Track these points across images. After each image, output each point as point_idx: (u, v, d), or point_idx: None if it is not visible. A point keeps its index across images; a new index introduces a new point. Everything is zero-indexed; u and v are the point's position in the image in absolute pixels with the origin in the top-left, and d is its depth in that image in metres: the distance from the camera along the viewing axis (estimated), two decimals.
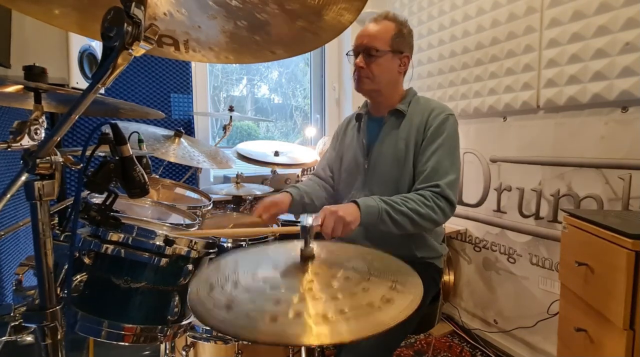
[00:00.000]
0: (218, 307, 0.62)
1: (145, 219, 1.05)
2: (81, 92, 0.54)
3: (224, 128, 2.00)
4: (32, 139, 0.67)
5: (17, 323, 0.69)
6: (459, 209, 2.07)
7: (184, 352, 1.05)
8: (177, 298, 0.86)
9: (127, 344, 0.80)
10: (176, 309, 0.86)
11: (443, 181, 1.10)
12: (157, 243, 0.82)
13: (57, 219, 1.02)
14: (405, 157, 1.19)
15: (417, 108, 1.23)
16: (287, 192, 1.27)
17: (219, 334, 1.06)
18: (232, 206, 1.91)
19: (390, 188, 1.20)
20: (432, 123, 1.17)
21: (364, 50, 1.22)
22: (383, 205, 1.04)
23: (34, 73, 0.70)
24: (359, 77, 1.24)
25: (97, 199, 0.96)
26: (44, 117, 0.70)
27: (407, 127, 1.21)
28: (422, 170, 1.15)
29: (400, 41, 1.23)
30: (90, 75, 1.48)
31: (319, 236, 0.92)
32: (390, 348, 1.13)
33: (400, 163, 1.20)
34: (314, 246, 0.77)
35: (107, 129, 0.69)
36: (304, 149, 2.32)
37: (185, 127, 2.17)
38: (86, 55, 1.48)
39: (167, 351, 1.08)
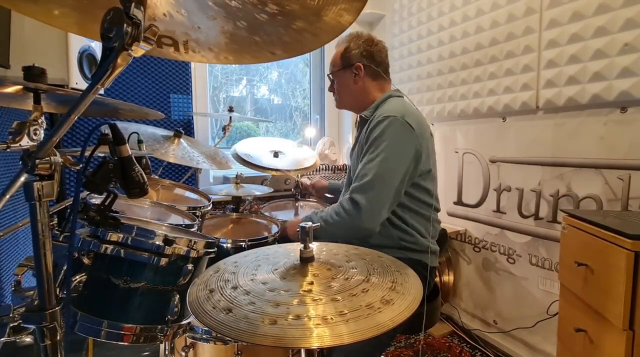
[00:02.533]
0: (218, 309, 0.62)
1: (144, 219, 1.05)
2: (80, 92, 0.53)
3: (224, 129, 2.00)
4: (32, 139, 0.67)
5: (16, 324, 0.68)
6: (459, 209, 2.07)
7: (183, 353, 1.05)
8: (176, 298, 0.86)
9: (126, 344, 0.81)
10: (176, 309, 0.86)
11: (355, 184, 1.16)
12: (157, 243, 0.82)
13: (56, 219, 1.02)
14: (360, 160, 1.24)
15: (377, 112, 1.25)
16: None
17: (218, 335, 1.06)
18: (232, 206, 1.90)
19: None
20: (370, 127, 1.21)
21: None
22: (310, 215, 1.26)
23: (33, 73, 0.69)
24: (335, 101, 1.46)
25: (97, 199, 0.96)
26: (43, 118, 0.70)
27: (364, 132, 1.25)
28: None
29: (347, 56, 1.35)
30: (89, 76, 1.48)
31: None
32: (381, 348, 1.14)
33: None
34: (314, 248, 0.77)
35: (106, 130, 0.69)
36: (304, 150, 2.32)
37: (185, 128, 2.16)
38: (86, 56, 1.48)
39: (167, 352, 1.08)
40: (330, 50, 2.76)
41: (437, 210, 1.30)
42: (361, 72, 1.33)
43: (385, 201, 1.15)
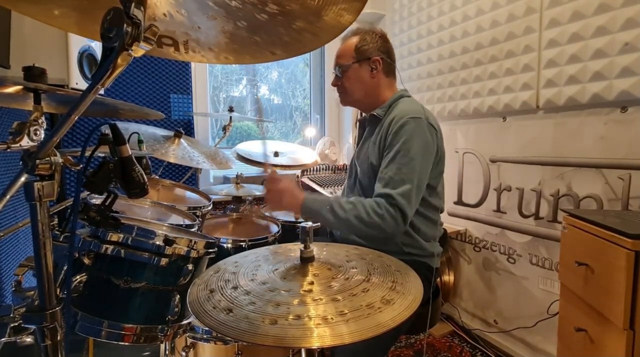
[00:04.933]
0: (218, 309, 0.62)
1: (144, 219, 1.05)
2: (81, 92, 0.53)
3: (224, 128, 2.00)
4: (32, 139, 0.67)
5: (16, 324, 0.68)
6: (459, 209, 2.07)
7: (183, 353, 1.05)
8: (177, 298, 0.86)
9: (127, 344, 0.81)
10: (176, 309, 0.86)
11: (397, 190, 1.09)
12: (157, 243, 0.83)
13: (56, 219, 1.02)
14: (375, 162, 1.20)
15: (393, 112, 1.22)
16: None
17: (219, 335, 1.06)
18: (232, 206, 1.90)
19: (369, 190, 1.21)
20: (392, 128, 1.16)
21: (336, 70, 1.33)
22: (327, 205, 1.10)
23: (33, 74, 0.69)
24: (338, 95, 1.36)
25: (97, 199, 0.96)
26: (43, 118, 0.70)
27: (378, 133, 1.22)
28: (381, 177, 1.14)
29: (364, 49, 1.28)
30: (89, 76, 1.48)
31: None
32: (384, 348, 1.13)
33: (372, 167, 1.21)
34: (314, 248, 0.77)
35: (106, 130, 0.69)
36: (304, 150, 2.32)
37: (185, 128, 2.16)
38: (86, 56, 1.48)
39: (167, 352, 1.08)
40: (331, 50, 2.77)
41: (442, 210, 1.30)
42: (379, 66, 1.28)
43: (417, 205, 1.15)
